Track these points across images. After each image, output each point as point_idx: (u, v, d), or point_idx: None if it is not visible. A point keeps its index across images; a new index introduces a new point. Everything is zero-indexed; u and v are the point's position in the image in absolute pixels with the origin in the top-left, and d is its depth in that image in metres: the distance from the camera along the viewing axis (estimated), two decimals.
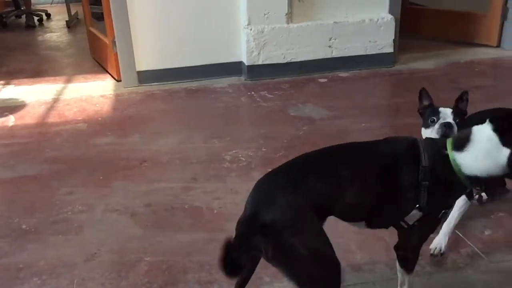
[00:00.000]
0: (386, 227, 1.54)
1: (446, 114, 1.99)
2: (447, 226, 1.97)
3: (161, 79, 4.02)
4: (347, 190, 1.41)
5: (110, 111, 3.58)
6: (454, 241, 2.02)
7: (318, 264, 1.36)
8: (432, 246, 1.95)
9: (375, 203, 1.44)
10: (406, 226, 1.48)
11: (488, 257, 1.92)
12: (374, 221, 1.51)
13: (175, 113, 3.58)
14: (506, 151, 1.34)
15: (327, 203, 1.40)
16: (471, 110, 3.36)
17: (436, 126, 1.96)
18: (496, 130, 1.36)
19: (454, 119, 1.97)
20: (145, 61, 3.98)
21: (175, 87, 3.97)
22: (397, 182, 1.42)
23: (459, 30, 4.87)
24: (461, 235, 2.06)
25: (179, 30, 3.95)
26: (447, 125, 1.94)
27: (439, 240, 1.95)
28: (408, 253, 1.58)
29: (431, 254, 1.93)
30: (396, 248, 1.60)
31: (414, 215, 1.44)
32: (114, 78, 4.16)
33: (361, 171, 1.43)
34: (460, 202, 1.96)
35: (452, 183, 1.42)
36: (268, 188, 1.41)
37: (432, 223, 1.53)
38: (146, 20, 3.88)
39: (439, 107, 2.04)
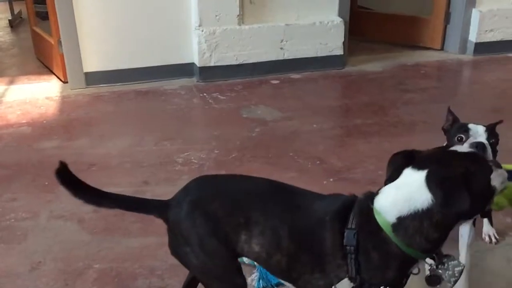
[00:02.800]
0: None
1: (478, 132, 1.66)
2: None
3: (110, 80, 3.91)
4: (253, 236, 1.26)
5: (56, 114, 3.45)
6: None
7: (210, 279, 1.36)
8: None
9: (293, 264, 1.25)
10: None
11: None
12: (302, 287, 1.29)
13: (124, 115, 3.50)
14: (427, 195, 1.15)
15: (228, 236, 1.28)
16: (417, 110, 3.49)
17: (465, 145, 1.61)
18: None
19: (487, 139, 1.64)
20: (93, 62, 3.86)
21: (124, 89, 3.88)
22: (321, 246, 1.22)
23: (405, 33, 5.03)
24: None
25: (128, 30, 3.86)
26: (479, 146, 1.60)
27: None
28: None
29: None
30: None
31: (346, 287, 1.21)
32: (60, 80, 4.02)
33: (278, 222, 1.25)
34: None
35: (384, 247, 1.18)
36: (191, 188, 1.39)
37: None
38: (93, 19, 3.76)
39: (468, 123, 1.70)
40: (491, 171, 1.19)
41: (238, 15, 3.96)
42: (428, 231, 1.16)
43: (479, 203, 1.19)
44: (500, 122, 1.74)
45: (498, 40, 4.73)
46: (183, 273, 1.60)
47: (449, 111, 1.81)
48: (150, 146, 2.96)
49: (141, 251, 2.03)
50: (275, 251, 1.26)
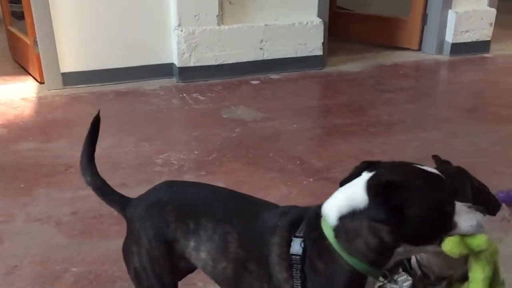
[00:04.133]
0: None
1: None
2: None
3: (88, 81, 3.86)
4: (201, 242, 1.23)
5: (33, 115, 3.39)
6: None
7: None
8: None
9: (240, 273, 1.20)
10: None
11: None
12: None
13: (103, 116, 3.40)
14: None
15: (178, 242, 1.26)
16: (396, 110, 3.53)
17: None
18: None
19: None
20: (70, 62, 3.81)
21: (103, 89, 3.83)
22: (268, 255, 1.16)
23: (383, 34, 5.08)
24: None
25: (106, 30, 3.82)
26: None
27: None
28: None
29: None
30: None
31: None
32: (37, 80, 3.95)
33: (228, 228, 1.21)
34: None
35: (328, 257, 1.10)
36: (154, 189, 1.38)
37: None
38: (70, 19, 3.71)
39: None
40: (449, 201, 1.07)
41: (217, 15, 3.95)
42: (368, 236, 1.07)
43: (424, 230, 1.05)
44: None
45: (473, 40, 4.82)
46: None
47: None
48: (129, 147, 2.94)
49: (120, 254, 2.00)
50: (221, 258, 1.21)
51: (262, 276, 1.17)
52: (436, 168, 1.16)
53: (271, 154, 2.85)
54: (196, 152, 2.87)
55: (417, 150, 2.92)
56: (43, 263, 1.95)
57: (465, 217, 1.07)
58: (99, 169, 2.81)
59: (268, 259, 1.16)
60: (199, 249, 1.24)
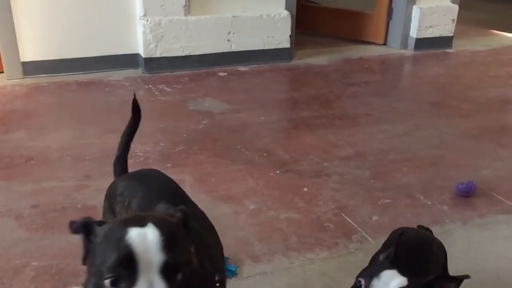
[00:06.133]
0: None
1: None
2: None
3: (50, 70, 3.75)
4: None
5: None
6: (346, 227, 2.12)
7: None
8: None
9: None
10: None
11: (375, 241, 2.05)
12: None
13: (65, 107, 3.37)
14: None
15: (115, 215, 1.34)
16: (361, 103, 3.58)
17: None
18: None
19: None
20: (31, 51, 3.68)
21: (65, 79, 3.73)
22: None
23: (350, 28, 5.14)
24: (352, 222, 2.17)
25: (69, 17, 3.71)
26: None
27: None
28: None
29: None
30: None
31: None
32: None
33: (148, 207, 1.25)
34: None
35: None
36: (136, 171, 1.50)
37: None
38: (31, 4, 3.58)
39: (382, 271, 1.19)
40: None
41: (184, 6, 3.89)
42: None
43: None
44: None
45: (437, 36, 4.93)
46: None
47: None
48: (93, 139, 2.87)
49: None
50: None
51: None
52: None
53: (238, 146, 2.84)
54: (162, 144, 2.83)
55: (382, 143, 2.97)
56: (1, 257, 1.89)
57: None
58: (62, 161, 2.75)
59: None
60: None
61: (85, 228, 0.93)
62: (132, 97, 1.65)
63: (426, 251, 1.39)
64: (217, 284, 1.05)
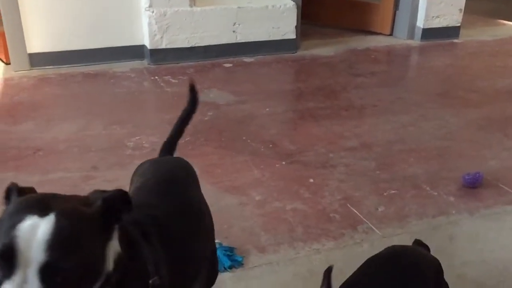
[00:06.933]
0: None
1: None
2: None
3: (56, 62, 3.76)
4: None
5: None
6: (352, 218, 2.13)
7: None
8: None
9: None
10: None
11: (381, 232, 2.05)
12: None
13: (72, 99, 3.38)
14: None
15: None
16: (367, 94, 3.57)
17: None
18: None
19: None
20: (38, 42, 3.69)
21: (71, 71, 3.74)
22: None
23: (356, 18, 5.10)
24: (357, 212, 2.18)
25: (75, 9, 3.71)
26: None
27: None
28: None
29: None
30: None
31: None
32: (2, 61, 3.82)
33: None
34: None
35: None
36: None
37: None
38: None
39: None
40: None
41: None
42: None
43: None
44: None
45: (444, 26, 4.89)
46: None
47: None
48: (99, 130, 2.88)
49: None
50: None
51: None
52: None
53: (243, 138, 2.85)
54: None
55: (389, 133, 2.97)
56: None
57: None
58: (69, 152, 2.77)
59: None
60: None
61: (7, 193, 0.90)
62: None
63: (402, 276, 1.20)
64: None
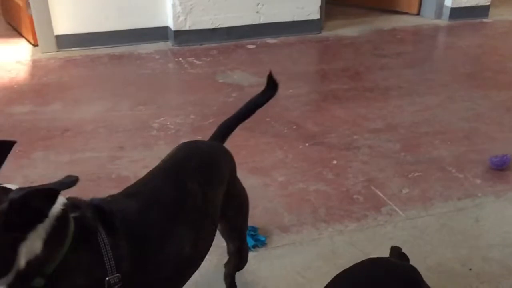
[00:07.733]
0: None
1: None
2: None
3: (82, 44, 3.81)
4: None
5: (27, 78, 3.36)
6: (375, 200, 2.13)
7: None
8: None
9: None
10: None
11: (405, 214, 2.04)
12: None
13: (98, 80, 3.43)
14: None
15: None
16: (392, 75, 3.52)
17: None
18: None
19: None
20: (64, 24, 3.74)
21: (97, 52, 3.79)
22: None
23: None
24: (381, 194, 2.17)
25: None
26: None
27: None
28: None
29: None
30: None
31: None
32: (30, 43, 3.89)
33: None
34: None
35: None
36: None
37: None
38: None
39: None
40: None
41: None
42: None
43: None
44: None
45: (473, 5, 4.76)
46: None
47: None
48: (125, 111, 2.93)
49: None
50: None
51: None
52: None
53: (267, 119, 2.85)
54: (192, 116, 2.87)
55: (414, 115, 2.93)
56: None
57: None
58: (96, 132, 2.82)
59: None
60: None
61: None
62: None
63: None
64: None
